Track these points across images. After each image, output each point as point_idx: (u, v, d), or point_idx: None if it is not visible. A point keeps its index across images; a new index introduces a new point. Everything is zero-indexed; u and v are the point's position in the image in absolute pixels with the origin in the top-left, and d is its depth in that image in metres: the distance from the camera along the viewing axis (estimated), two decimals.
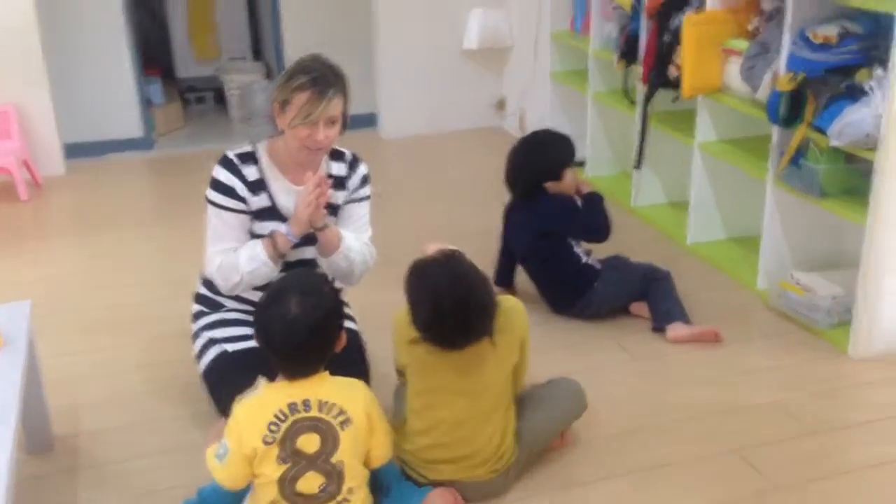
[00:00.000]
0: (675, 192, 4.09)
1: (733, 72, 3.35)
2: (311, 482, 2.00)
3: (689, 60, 3.42)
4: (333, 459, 2.01)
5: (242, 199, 2.45)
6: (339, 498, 2.03)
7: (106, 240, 4.08)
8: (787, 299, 3.09)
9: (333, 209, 2.55)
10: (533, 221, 3.12)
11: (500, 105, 5.49)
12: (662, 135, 3.90)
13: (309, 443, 2.00)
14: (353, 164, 2.59)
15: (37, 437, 2.52)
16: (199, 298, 2.67)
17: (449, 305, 2.08)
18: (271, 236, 2.41)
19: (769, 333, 3.06)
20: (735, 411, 2.63)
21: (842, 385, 2.78)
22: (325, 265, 2.53)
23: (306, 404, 2.02)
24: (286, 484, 2.00)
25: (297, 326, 2.00)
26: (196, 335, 2.62)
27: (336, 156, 2.58)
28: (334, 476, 2.02)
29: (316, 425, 2.02)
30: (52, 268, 3.80)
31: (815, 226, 3.22)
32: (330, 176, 2.50)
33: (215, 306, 2.63)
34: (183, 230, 4.06)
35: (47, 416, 2.54)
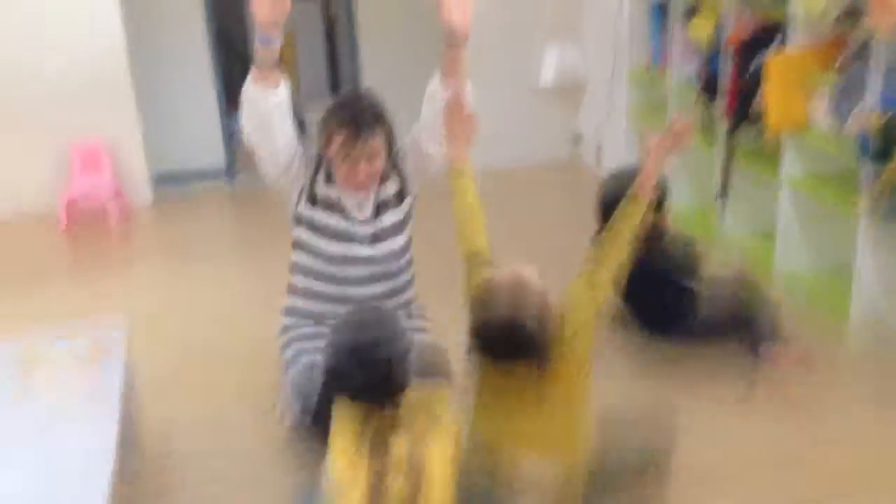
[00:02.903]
0: (760, 224, 4.04)
1: (819, 109, 3.32)
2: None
3: (773, 98, 3.41)
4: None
5: (318, 164, 2.49)
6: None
7: (194, 268, 4.21)
8: (883, 340, 3.03)
9: (399, 196, 2.60)
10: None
11: (576, 140, 5.52)
12: (745, 169, 3.88)
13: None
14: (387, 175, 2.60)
15: (128, 456, 2.59)
16: (286, 310, 2.71)
17: (495, 327, 2.07)
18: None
19: (865, 376, 3.00)
20: (827, 461, 2.58)
21: None
22: (434, 112, 2.45)
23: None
24: None
25: (371, 366, 1.99)
26: (284, 347, 2.66)
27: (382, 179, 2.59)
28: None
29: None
30: (144, 295, 3.93)
31: None
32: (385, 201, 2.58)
33: (304, 315, 2.66)
34: (266, 261, 4.16)
35: (138, 435, 2.62)
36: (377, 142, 2.43)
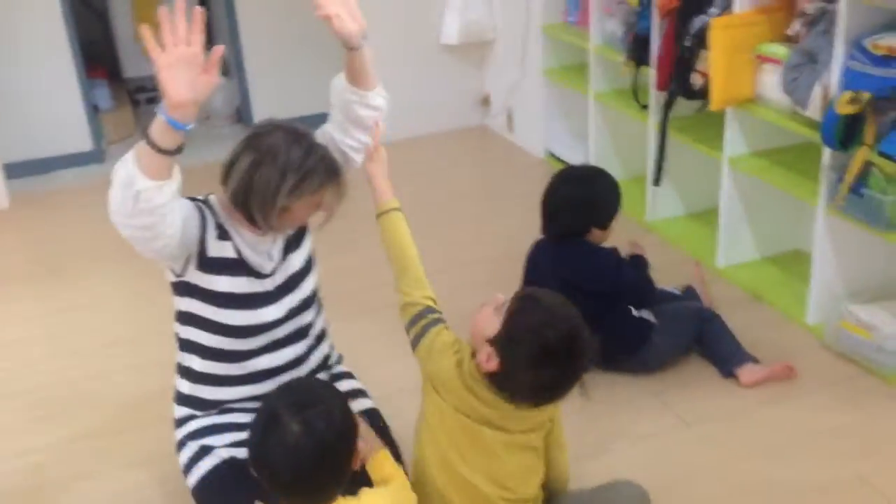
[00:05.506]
0: (695, 202, 3.74)
1: (769, 81, 2.98)
2: None
3: (718, 69, 3.04)
4: None
5: (203, 224, 2.00)
6: None
7: (64, 289, 3.58)
8: (847, 340, 2.76)
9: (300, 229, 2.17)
10: (573, 275, 2.69)
11: (485, 102, 5.06)
12: (680, 144, 3.53)
13: None
14: None
15: None
16: (181, 398, 2.20)
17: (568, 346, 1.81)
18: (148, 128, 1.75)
19: (831, 380, 2.73)
20: (812, 491, 2.30)
21: None
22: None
23: None
24: None
25: (304, 454, 1.67)
26: (182, 444, 2.18)
27: None
28: None
29: None
30: (1, 329, 3.32)
31: (872, 253, 2.89)
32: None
33: (204, 406, 2.18)
34: (153, 268, 3.60)
35: None
36: None
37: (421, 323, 1.96)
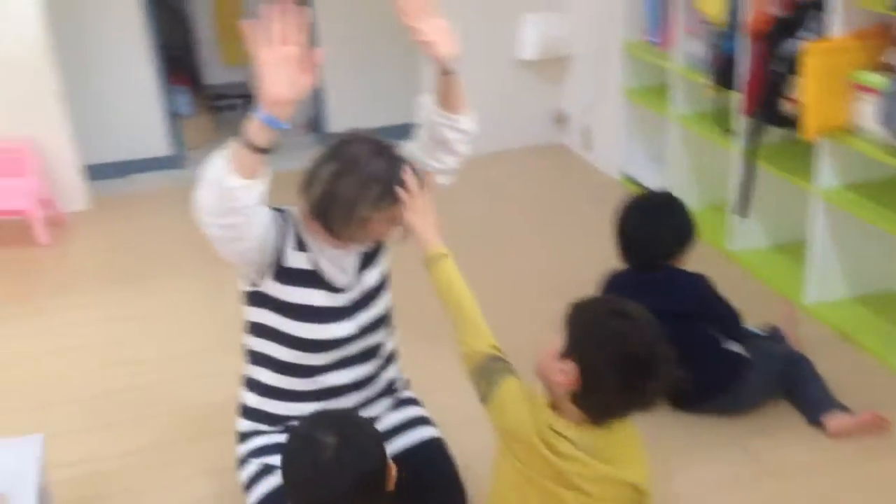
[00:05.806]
0: (780, 233, 3.59)
1: (865, 111, 2.83)
2: None
3: (813, 96, 2.89)
4: None
5: (282, 234, 1.96)
6: None
7: (136, 294, 3.61)
8: None
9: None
10: (662, 298, 2.43)
11: (560, 119, 4.96)
12: (765, 173, 3.37)
13: None
14: None
15: None
16: (248, 412, 2.18)
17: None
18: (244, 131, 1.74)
19: None
20: None
21: None
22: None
23: None
24: None
25: (336, 473, 1.64)
26: (245, 461, 2.16)
27: None
28: None
29: None
30: (74, 332, 3.33)
31: None
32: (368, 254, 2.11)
33: (270, 420, 2.15)
34: (225, 277, 3.60)
35: None
36: None
37: (487, 375, 1.85)
